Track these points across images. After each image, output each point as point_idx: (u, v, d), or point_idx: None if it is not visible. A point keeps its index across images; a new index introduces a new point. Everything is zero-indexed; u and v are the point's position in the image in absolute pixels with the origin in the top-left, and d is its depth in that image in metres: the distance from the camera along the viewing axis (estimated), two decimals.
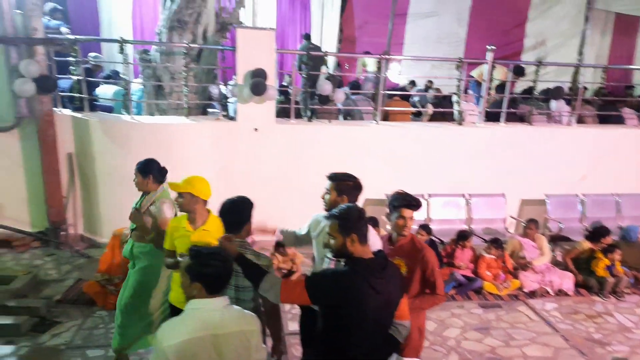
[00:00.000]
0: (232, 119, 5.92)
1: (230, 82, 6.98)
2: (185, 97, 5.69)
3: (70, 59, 5.49)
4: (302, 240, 3.21)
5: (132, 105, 5.80)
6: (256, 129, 5.79)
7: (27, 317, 4.14)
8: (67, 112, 5.78)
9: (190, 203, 2.91)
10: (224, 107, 6.23)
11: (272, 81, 5.66)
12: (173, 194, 3.17)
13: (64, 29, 6.77)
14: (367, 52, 9.61)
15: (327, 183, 2.87)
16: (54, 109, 5.58)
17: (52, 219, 5.65)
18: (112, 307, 4.43)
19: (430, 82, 9.19)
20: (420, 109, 7.29)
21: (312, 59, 6.15)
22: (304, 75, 6.04)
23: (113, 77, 7.19)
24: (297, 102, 6.27)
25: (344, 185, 2.82)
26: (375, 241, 2.63)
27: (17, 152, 5.72)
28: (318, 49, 8.77)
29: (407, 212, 2.79)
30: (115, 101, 6.26)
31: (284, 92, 7.15)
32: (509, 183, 6.38)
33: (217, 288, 2.04)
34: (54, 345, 3.93)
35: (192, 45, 5.70)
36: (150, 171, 3.46)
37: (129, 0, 9.20)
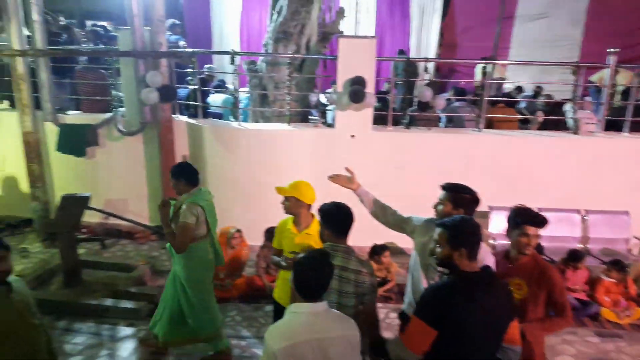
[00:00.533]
0: (330, 126, 6.05)
1: (329, 90, 7.15)
2: (288, 105, 5.94)
3: (188, 70, 6.02)
4: (393, 220, 3.00)
5: (239, 112, 6.19)
6: (353, 136, 5.85)
7: (145, 302, 4.59)
8: (184, 118, 6.32)
9: (295, 207, 3.03)
10: (323, 115, 6.39)
11: (370, 88, 5.68)
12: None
13: (182, 43, 7.45)
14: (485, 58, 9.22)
15: (441, 193, 2.72)
16: (173, 115, 6.14)
17: None
18: (217, 299, 4.76)
19: (539, 87, 8.57)
20: (529, 117, 6.82)
21: (410, 66, 6.06)
22: (401, 82, 5.98)
23: (222, 86, 7.73)
24: (395, 109, 6.22)
25: (461, 197, 2.64)
26: (485, 257, 2.50)
27: (140, 154, 6.38)
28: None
29: (531, 230, 2.62)
30: (225, 108, 6.73)
31: (381, 99, 7.14)
32: (633, 200, 5.71)
33: (315, 294, 2.07)
34: None
35: (295, 55, 5.93)
36: (182, 174, 3.55)
37: (237, 15, 9.85)
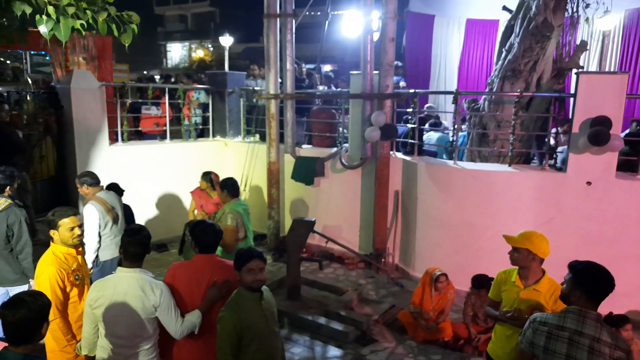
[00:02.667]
0: (559, 169, 5.43)
1: (560, 130, 6.46)
2: (511, 145, 5.59)
3: (408, 109, 6.27)
4: None
5: (455, 151, 6.11)
6: (589, 183, 5.12)
7: (353, 327, 4.83)
8: (400, 155, 6.58)
9: (525, 259, 2.80)
10: (551, 157, 5.79)
11: (617, 130, 4.92)
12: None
13: (402, 84, 7.82)
14: None
15: None
16: (391, 152, 6.46)
17: (376, 246, 6.48)
18: (421, 339, 4.70)
19: None
20: None
21: None
22: None
23: (438, 124, 7.79)
24: None
25: None
26: None
27: (357, 187, 6.87)
28: None
29: None
30: (439, 147, 6.75)
31: (629, 142, 6.09)
32: None
33: None
34: None
35: (524, 93, 5.58)
36: (226, 187, 4.39)
37: (457, 55, 9.88)
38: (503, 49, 6.17)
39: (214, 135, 8.35)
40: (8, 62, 9.71)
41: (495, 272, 4.64)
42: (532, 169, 5.65)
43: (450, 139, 6.37)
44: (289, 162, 7.21)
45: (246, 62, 22.79)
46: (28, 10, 3.23)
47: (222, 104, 8.23)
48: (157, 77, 14.80)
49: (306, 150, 7.34)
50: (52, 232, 3.18)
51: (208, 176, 5.78)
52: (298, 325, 4.98)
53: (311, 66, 11.17)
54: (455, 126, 5.92)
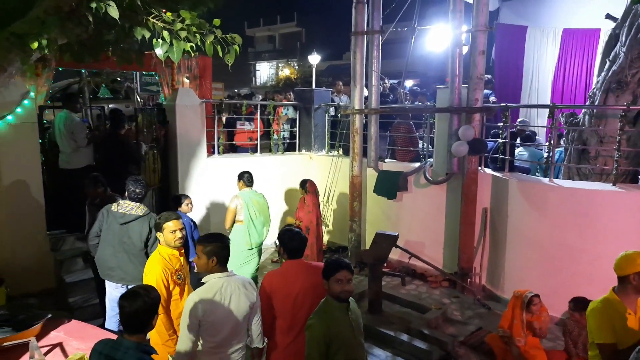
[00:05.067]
0: None
1: None
2: (616, 162, 5.15)
3: (499, 124, 6.04)
4: None
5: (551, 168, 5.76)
6: None
7: (437, 347, 4.70)
8: (489, 171, 6.33)
9: None
10: None
11: None
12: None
13: (492, 98, 7.55)
14: None
15: None
16: (479, 168, 6.24)
17: (462, 264, 6.26)
18: None
19: None
20: None
21: None
22: None
23: (530, 138, 7.39)
24: None
25: None
26: None
27: (442, 202, 6.71)
28: None
29: None
30: (532, 163, 6.39)
31: None
32: None
33: None
34: None
35: (632, 107, 5.14)
36: (242, 178, 5.49)
37: (552, 68, 9.33)
38: (607, 60, 5.74)
39: (300, 149, 8.66)
40: (127, 82, 10.88)
41: (593, 298, 4.30)
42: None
43: (545, 155, 6.00)
44: (371, 176, 7.25)
45: (329, 79, 23.37)
46: (147, 34, 3.65)
47: (308, 119, 8.53)
48: (247, 94, 15.69)
49: (389, 164, 7.34)
50: (158, 235, 3.51)
51: (304, 184, 6.36)
52: (380, 340, 4.94)
53: (395, 81, 11.18)
54: (552, 141, 5.58)
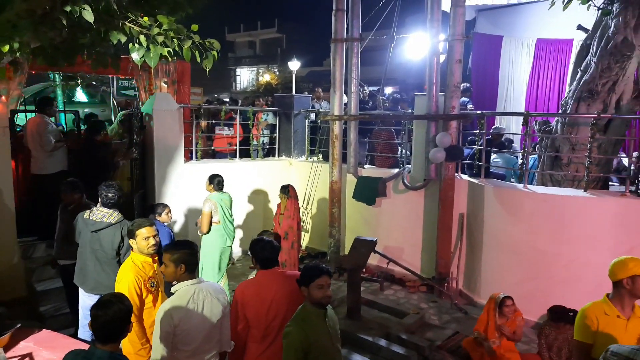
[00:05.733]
0: None
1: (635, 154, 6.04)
2: (587, 169, 5.30)
3: (475, 131, 6.15)
4: None
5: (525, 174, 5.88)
6: None
7: (415, 352, 4.73)
8: (465, 177, 6.44)
9: None
10: (632, 183, 5.40)
11: None
12: None
13: (469, 106, 7.69)
14: None
15: None
16: (456, 174, 6.33)
17: (439, 269, 6.33)
18: None
19: None
20: None
21: None
22: None
23: (508, 146, 7.54)
24: None
25: None
26: None
27: (420, 208, 6.79)
28: None
29: None
30: (507, 169, 6.52)
31: None
32: None
33: None
34: None
35: (602, 115, 5.30)
36: (212, 181, 5.62)
37: (526, 77, 9.57)
38: (578, 69, 5.91)
39: (279, 155, 8.64)
40: (103, 86, 10.67)
41: (568, 302, 4.41)
42: (610, 194, 5.32)
43: (519, 162, 6.14)
44: (350, 181, 7.29)
45: (309, 85, 23.45)
46: (123, 39, 3.60)
47: (288, 125, 8.52)
48: (226, 100, 15.62)
49: (368, 170, 7.39)
50: (131, 242, 3.44)
51: (285, 189, 6.32)
52: (358, 346, 4.95)
53: (374, 88, 11.28)
54: (526, 148, 5.71)
